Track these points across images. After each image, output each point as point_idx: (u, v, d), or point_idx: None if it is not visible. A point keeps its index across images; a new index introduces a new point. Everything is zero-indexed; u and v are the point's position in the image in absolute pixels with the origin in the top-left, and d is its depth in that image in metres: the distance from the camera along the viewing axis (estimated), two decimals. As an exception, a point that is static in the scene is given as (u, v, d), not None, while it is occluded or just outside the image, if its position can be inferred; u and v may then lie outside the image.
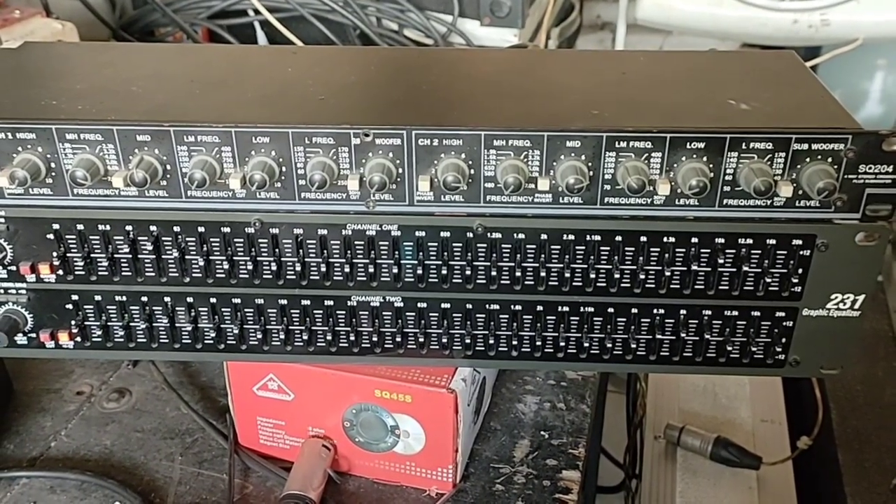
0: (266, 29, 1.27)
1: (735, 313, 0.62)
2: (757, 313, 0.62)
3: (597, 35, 1.95)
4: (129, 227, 0.60)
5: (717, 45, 1.60)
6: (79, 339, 0.65)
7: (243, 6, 1.24)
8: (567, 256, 0.60)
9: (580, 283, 0.61)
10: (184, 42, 1.27)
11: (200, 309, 0.63)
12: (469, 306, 0.63)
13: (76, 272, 0.62)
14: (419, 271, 0.61)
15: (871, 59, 1.65)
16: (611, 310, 0.62)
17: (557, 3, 1.38)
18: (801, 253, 0.59)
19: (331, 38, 1.22)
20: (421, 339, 0.64)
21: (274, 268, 0.61)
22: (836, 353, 0.63)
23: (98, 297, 0.63)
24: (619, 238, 0.59)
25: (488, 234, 0.59)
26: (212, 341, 0.65)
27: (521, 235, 0.59)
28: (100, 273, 0.62)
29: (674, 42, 1.82)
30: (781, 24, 1.37)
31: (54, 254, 0.61)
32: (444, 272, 0.61)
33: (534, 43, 1.27)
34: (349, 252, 0.60)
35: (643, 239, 0.59)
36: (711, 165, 0.56)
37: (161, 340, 0.65)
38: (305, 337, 0.64)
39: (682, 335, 0.63)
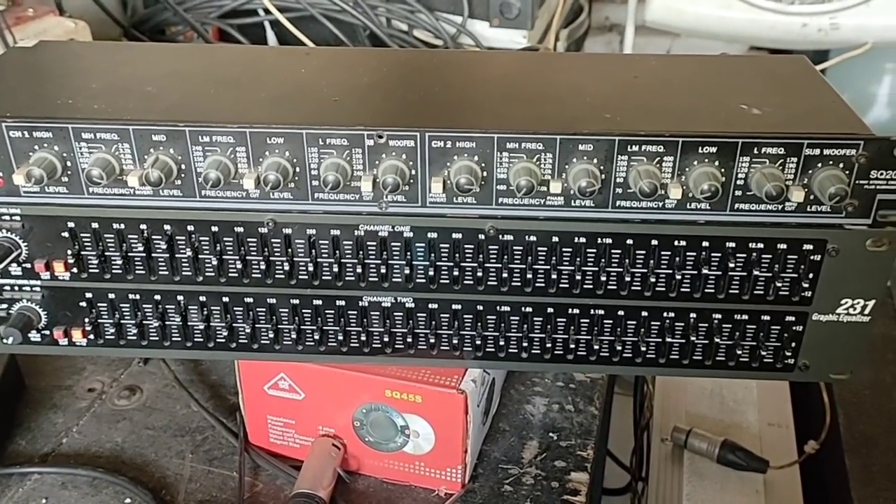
0: (276, 29, 1.27)
1: (745, 317, 0.62)
2: (767, 317, 0.62)
3: (605, 37, 1.95)
4: (143, 226, 0.60)
5: (725, 47, 1.60)
6: (92, 336, 0.65)
7: (254, 6, 1.24)
8: (578, 259, 0.60)
9: (591, 286, 0.61)
10: (195, 41, 1.27)
11: (213, 308, 0.64)
12: (480, 308, 0.63)
13: (90, 270, 0.62)
14: (431, 272, 0.61)
15: (879, 62, 1.65)
16: (621, 312, 0.62)
17: (566, 5, 1.38)
18: (812, 258, 0.59)
19: (341, 38, 1.22)
20: (432, 340, 0.64)
21: (286, 267, 0.61)
22: (846, 357, 0.64)
23: (112, 295, 0.63)
24: (630, 241, 0.59)
25: (500, 236, 0.60)
26: (224, 340, 0.65)
27: (533, 238, 0.60)
28: (114, 271, 0.62)
29: (681, 44, 1.81)
30: (790, 28, 1.37)
31: (69, 252, 0.61)
32: (455, 273, 0.61)
33: (543, 45, 1.27)
34: (361, 252, 0.61)
35: (654, 242, 0.59)
36: (723, 170, 0.56)
37: (173, 339, 0.65)
38: (317, 336, 0.64)
39: (692, 338, 0.63)
